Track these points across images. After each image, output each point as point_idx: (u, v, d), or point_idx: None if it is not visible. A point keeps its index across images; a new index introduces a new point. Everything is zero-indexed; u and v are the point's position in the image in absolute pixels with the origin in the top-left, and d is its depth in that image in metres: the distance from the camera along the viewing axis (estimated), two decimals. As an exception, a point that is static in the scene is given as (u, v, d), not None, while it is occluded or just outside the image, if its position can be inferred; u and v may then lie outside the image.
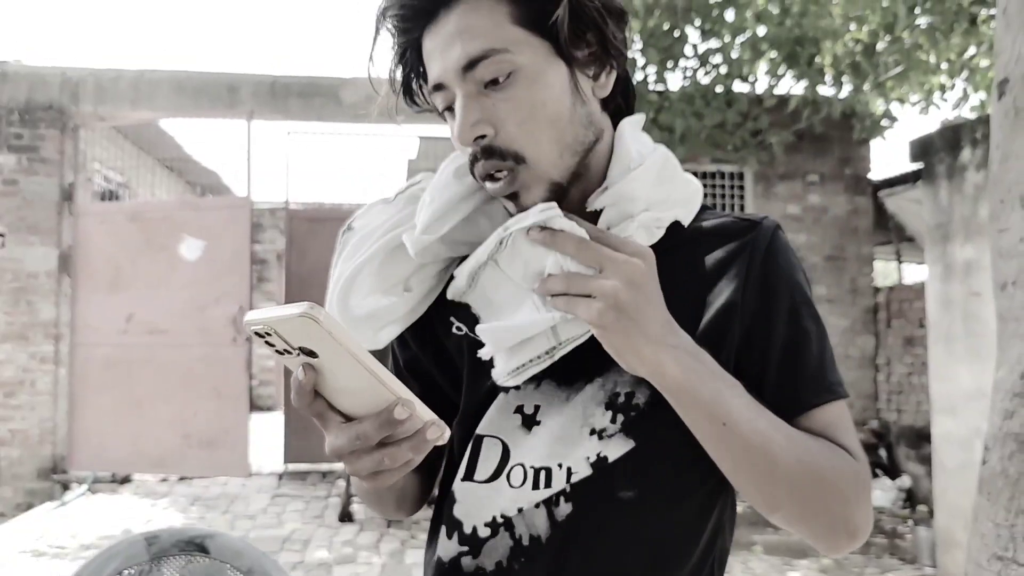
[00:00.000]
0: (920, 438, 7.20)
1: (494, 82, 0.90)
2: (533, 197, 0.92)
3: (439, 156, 9.59)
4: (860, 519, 0.92)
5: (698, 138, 6.83)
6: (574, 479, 0.94)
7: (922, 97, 7.20)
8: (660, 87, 6.97)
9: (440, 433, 0.74)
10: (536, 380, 0.97)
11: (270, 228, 13.81)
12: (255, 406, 13.68)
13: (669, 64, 6.84)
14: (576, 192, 0.95)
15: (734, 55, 6.80)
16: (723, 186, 8.38)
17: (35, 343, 7.49)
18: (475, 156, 0.92)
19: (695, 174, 6.77)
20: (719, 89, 6.89)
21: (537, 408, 0.97)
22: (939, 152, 5.06)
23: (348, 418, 0.76)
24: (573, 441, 0.95)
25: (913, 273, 16.44)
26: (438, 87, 0.93)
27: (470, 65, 0.89)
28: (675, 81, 7.05)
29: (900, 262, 10.03)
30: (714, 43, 6.83)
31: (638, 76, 6.77)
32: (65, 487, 7.41)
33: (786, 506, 0.90)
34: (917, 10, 6.26)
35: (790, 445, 0.88)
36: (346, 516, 6.01)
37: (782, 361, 0.94)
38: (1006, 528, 2.11)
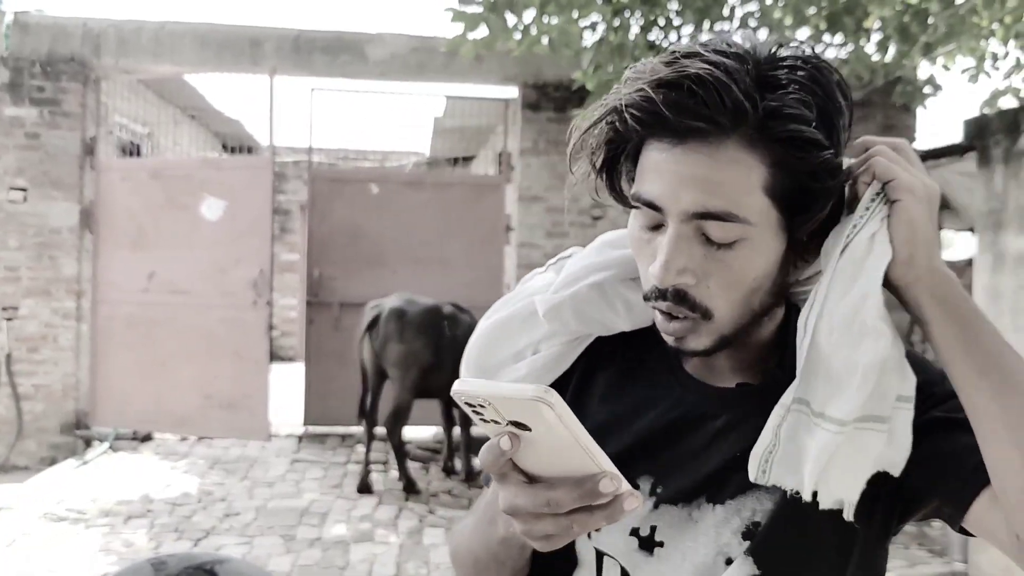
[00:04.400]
0: (954, 419, 7.00)
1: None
2: (699, 345, 0.87)
3: (466, 114, 9.35)
4: None
5: None
6: None
7: (974, 63, 6.88)
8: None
9: (637, 504, 0.71)
10: (655, 503, 0.91)
11: (294, 179, 13.63)
12: (276, 356, 13.64)
13: (705, 26, 6.53)
14: (734, 346, 0.90)
15: (775, 17, 6.48)
16: (759, 153, 8.06)
17: (58, 298, 7.44)
18: (663, 293, 0.85)
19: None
20: None
21: (654, 529, 0.90)
22: (996, 134, 4.78)
23: (529, 476, 0.72)
24: (709, 572, 0.87)
25: (957, 244, 16.05)
26: (651, 205, 0.83)
27: (701, 216, 0.81)
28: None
29: (941, 231, 9.71)
30: (752, 6, 6.51)
31: (672, 37, 6.46)
32: (88, 443, 7.42)
33: None
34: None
35: None
36: (365, 488, 5.95)
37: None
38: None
